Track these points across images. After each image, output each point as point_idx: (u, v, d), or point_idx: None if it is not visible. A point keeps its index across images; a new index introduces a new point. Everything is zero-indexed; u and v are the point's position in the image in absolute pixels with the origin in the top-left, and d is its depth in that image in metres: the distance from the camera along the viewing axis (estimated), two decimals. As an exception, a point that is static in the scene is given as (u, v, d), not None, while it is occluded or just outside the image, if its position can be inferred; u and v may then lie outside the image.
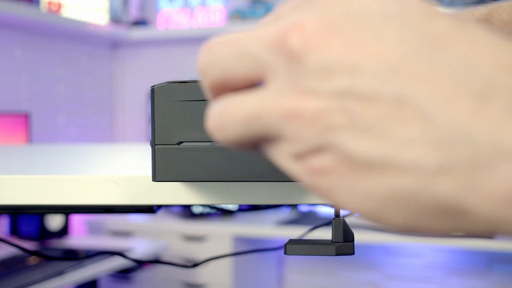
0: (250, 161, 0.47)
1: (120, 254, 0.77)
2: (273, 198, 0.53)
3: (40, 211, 0.68)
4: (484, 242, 2.41)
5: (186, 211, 2.91)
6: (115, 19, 3.23)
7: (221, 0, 3.27)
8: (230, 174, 0.47)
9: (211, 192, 0.53)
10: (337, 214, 0.47)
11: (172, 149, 0.47)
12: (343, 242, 0.46)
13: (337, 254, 0.45)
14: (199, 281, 2.73)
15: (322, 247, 0.46)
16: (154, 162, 0.48)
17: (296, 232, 2.62)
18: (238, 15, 3.03)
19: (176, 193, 0.53)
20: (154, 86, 0.47)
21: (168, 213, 3.00)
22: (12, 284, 1.80)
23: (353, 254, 0.46)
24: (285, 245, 0.46)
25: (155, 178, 0.48)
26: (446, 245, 2.71)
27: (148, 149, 1.06)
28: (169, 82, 0.47)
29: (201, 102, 0.47)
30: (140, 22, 3.36)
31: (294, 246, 0.46)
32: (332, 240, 0.46)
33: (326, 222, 0.81)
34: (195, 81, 0.47)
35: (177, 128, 0.47)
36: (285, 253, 0.46)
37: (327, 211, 2.84)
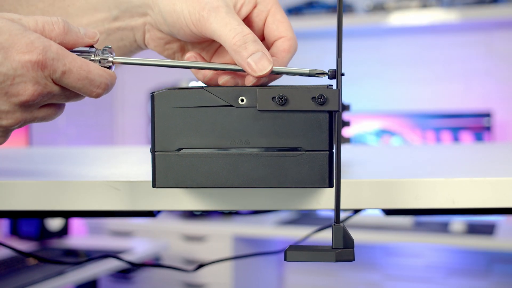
0: (249, 167, 0.47)
1: (115, 256, 0.77)
2: (273, 204, 0.53)
3: (39, 216, 0.68)
4: (484, 242, 2.41)
5: (186, 211, 2.91)
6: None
7: (221, 0, 3.26)
8: (230, 180, 0.47)
9: (211, 198, 0.53)
10: (337, 220, 0.47)
11: (172, 156, 0.47)
12: (343, 249, 0.46)
13: (337, 261, 0.46)
14: (199, 282, 2.73)
15: (322, 254, 0.46)
16: (154, 168, 0.48)
17: (296, 232, 2.62)
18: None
19: (176, 198, 0.53)
20: (154, 92, 0.47)
21: (168, 213, 3.00)
22: (12, 284, 1.80)
23: (353, 260, 0.46)
24: (285, 251, 0.46)
25: (155, 184, 0.48)
26: (446, 245, 2.71)
27: (147, 153, 1.05)
28: (168, 89, 0.47)
29: (201, 108, 0.47)
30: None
31: (294, 253, 0.46)
32: (332, 246, 0.46)
33: (326, 226, 0.81)
34: (194, 88, 0.47)
35: (177, 134, 0.47)
36: (285, 259, 0.46)
37: (327, 212, 2.84)
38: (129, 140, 3.46)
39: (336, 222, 0.47)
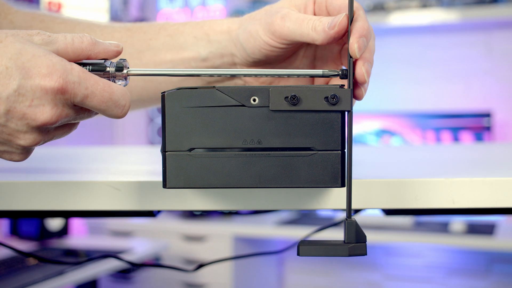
0: (262, 167, 0.47)
1: (115, 256, 0.77)
2: (273, 203, 0.53)
3: (39, 216, 0.68)
4: (484, 242, 2.41)
5: (186, 211, 2.91)
6: (115, 19, 3.23)
7: (221, 0, 3.27)
8: (242, 180, 0.47)
9: (212, 198, 0.53)
10: (349, 215, 0.47)
11: (184, 156, 0.47)
12: (355, 243, 0.46)
13: (350, 255, 0.46)
14: (199, 282, 2.73)
15: (335, 248, 0.46)
16: (165, 168, 0.47)
17: (296, 232, 2.62)
18: (238, 15, 3.03)
19: (175, 198, 0.53)
20: (165, 92, 0.47)
21: (168, 213, 3.00)
22: (12, 284, 1.80)
23: (366, 254, 0.46)
24: (298, 246, 0.46)
25: (165, 184, 0.47)
26: (446, 245, 2.71)
27: (147, 153, 1.06)
28: (179, 88, 0.47)
29: (212, 108, 0.47)
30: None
31: (307, 247, 0.46)
32: (344, 241, 0.46)
33: (326, 226, 0.81)
34: (206, 87, 0.47)
35: (188, 134, 0.47)
36: (298, 254, 0.46)
37: (327, 212, 2.84)
38: (129, 140, 3.46)
39: (348, 217, 0.47)
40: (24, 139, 0.48)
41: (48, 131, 0.49)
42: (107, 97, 0.47)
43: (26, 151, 0.50)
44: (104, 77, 0.50)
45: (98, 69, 0.49)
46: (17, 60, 0.45)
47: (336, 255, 0.46)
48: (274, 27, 0.57)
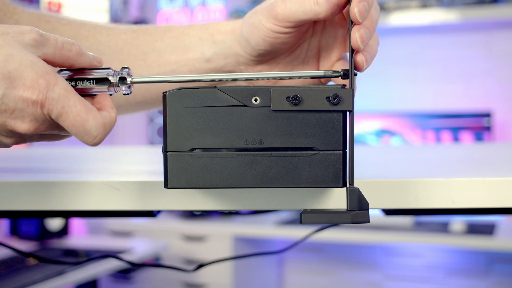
0: (263, 167, 0.47)
1: (115, 256, 0.77)
2: (273, 203, 0.53)
3: (39, 216, 0.68)
4: (484, 242, 2.41)
5: (186, 211, 2.91)
6: (115, 19, 3.23)
7: (221, 0, 3.27)
8: (243, 180, 0.47)
9: (212, 198, 0.53)
10: (351, 182, 0.47)
11: (185, 156, 0.47)
12: (358, 210, 0.46)
13: (352, 222, 0.45)
14: (199, 281, 2.73)
15: (337, 215, 0.46)
16: (166, 169, 0.47)
17: (296, 232, 2.62)
18: (238, 15, 3.03)
19: (176, 198, 0.53)
20: (166, 92, 0.47)
21: (168, 213, 3.00)
22: (12, 284, 1.80)
23: (368, 222, 0.46)
24: (301, 214, 0.46)
25: (167, 185, 0.47)
26: (446, 245, 2.71)
27: (147, 153, 1.06)
28: (180, 89, 0.47)
29: (214, 108, 0.47)
30: (140, 22, 3.35)
31: (310, 215, 0.46)
32: (347, 208, 0.46)
33: (326, 226, 0.81)
34: (207, 88, 0.47)
35: (190, 134, 0.47)
36: (300, 222, 0.46)
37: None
38: (129, 140, 3.46)
39: (351, 184, 0.47)
40: (6, 140, 0.49)
41: (32, 136, 0.50)
42: (79, 122, 0.47)
43: (7, 146, 0.51)
44: (109, 88, 0.50)
45: (101, 83, 0.50)
46: (3, 69, 0.45)
47: (339, 222, 0.45)
48: (276, 11, 0.56)
